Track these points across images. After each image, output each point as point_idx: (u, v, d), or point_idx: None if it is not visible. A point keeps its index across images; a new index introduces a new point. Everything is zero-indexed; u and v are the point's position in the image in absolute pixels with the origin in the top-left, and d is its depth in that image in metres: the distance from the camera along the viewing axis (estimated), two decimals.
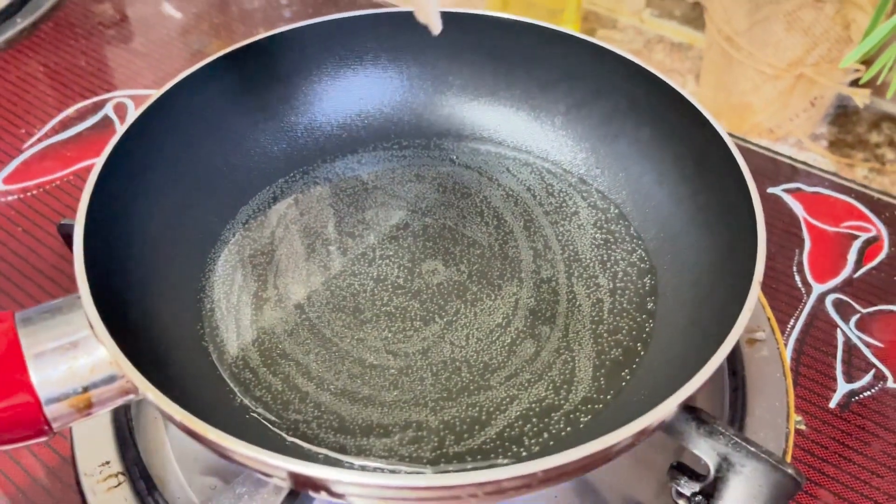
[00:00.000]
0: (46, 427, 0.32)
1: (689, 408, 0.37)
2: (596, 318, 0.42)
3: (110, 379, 0.33)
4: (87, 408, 0.33)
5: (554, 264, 0.45)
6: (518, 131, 0.52)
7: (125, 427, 0.42)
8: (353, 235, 0.47)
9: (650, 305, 0.42)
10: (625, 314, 0.42)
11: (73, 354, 0.32)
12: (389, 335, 0.42)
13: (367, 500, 0.31)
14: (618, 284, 0.44)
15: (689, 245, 0.43)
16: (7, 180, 0.59)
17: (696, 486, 0.39)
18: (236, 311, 0.42)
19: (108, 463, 0.41)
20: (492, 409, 0.39)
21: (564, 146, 0.51)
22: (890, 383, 0.47)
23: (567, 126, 0.51)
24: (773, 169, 0.61)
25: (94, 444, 0.42)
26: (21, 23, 0.74)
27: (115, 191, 0.39)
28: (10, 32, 0.73)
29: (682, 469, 0.39)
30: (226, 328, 0.41)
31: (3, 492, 0.41)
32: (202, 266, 0.44)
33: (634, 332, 0.42)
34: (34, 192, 0.58)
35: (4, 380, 0.32)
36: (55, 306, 0.34)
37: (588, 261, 0.45)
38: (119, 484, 0.40)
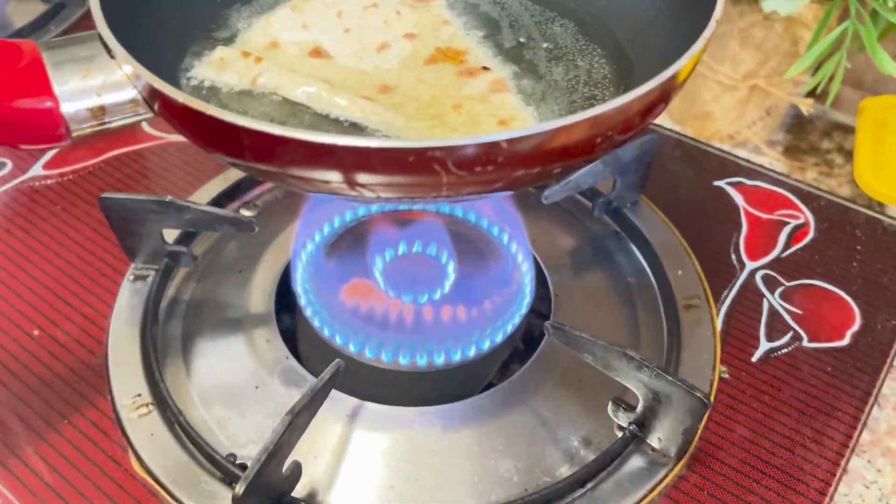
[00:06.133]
0: (64, 130, 0.38)
1: (626, 352, 0.44)
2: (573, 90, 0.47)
3: (122, 90, 0.38)
4: (101, 114, 0.38)
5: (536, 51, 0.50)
6: None
7: (153, 365, 0.50)
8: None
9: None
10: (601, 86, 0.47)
11: (88, 68, 0.38)
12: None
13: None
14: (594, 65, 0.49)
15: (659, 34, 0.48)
16: (46, 166, 0.67)
17: (632, 416, 0.47)
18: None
19: (139, 395, 0.49)
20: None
21: None
22: (805, 343, 0.55)
23: None
24: (719, 166, 0.69)
25: (128, 380, 0.50)
26: (54, 30, 0.82)
27: None
28: (44, 40, 0.81)
29: (620, 403, 0.47)
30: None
31: (57, 427, 0.49)
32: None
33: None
34: (70, 176, 0.66)
35: (29, 85, 0.37)
36: (76, 37, 0.39)
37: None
38: (149, 412, 0.48)
